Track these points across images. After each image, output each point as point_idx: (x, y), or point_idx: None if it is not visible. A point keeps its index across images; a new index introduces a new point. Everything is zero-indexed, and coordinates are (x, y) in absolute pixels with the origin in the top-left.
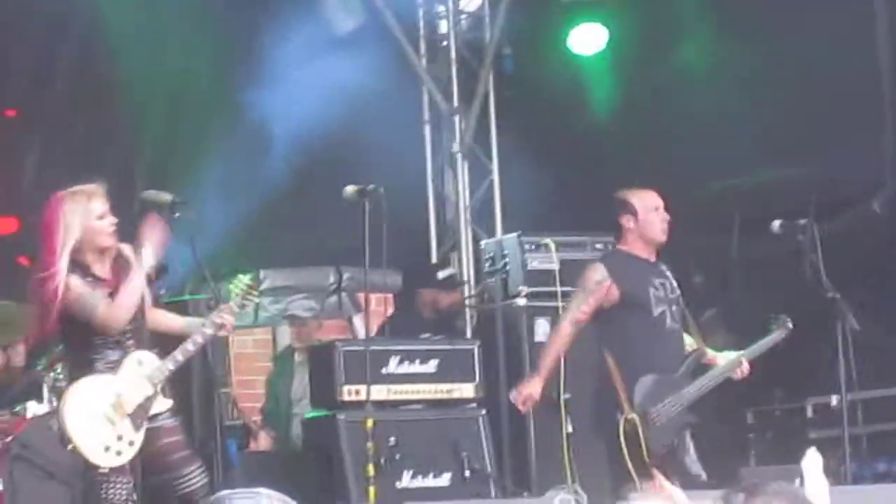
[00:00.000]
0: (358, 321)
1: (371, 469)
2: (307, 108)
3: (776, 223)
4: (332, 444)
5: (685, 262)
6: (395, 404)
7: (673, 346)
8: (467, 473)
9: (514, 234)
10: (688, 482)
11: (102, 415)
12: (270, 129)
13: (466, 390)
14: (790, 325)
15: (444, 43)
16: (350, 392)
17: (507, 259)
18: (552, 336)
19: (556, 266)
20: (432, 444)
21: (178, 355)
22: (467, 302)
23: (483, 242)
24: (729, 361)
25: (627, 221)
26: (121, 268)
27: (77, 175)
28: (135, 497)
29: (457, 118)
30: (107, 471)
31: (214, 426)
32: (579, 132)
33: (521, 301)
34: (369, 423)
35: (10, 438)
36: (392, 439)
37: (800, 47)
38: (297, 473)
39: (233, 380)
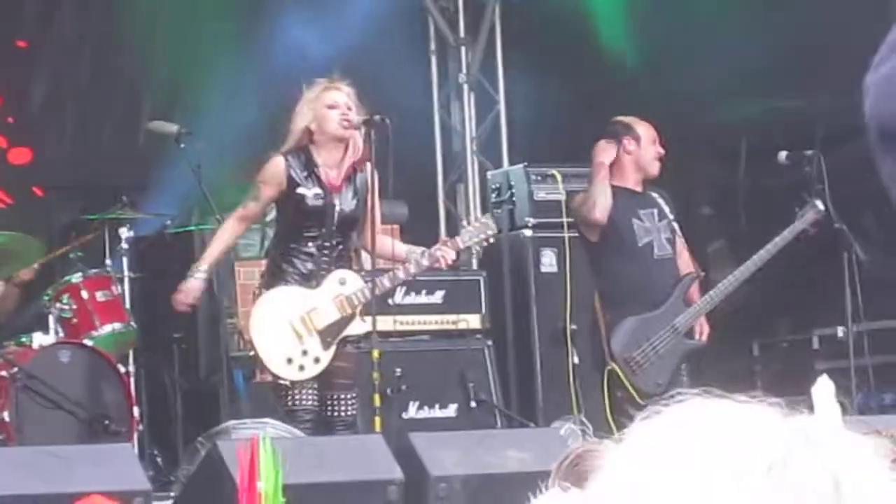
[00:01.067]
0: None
1: (377, 399)
2: (313, 38)
3: (783, 154)
4: None
5: (693, 192)
6: (401, 335)
7: (662, 276)
8: (473, 404)
9: (521, 166)
10: None
11: (290, 326)
12: (275, 58)
13: (472, 321)
14: (819, 206)
15: None
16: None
17: (513, 190)
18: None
19: (562, 197)
20: (438, 375)
21: (386, 281)
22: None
23: (489, 174)
24: (738, 271)
25: (629, 143)
26: (353, 182)
27: (86, 105)
28: (318, 403)
29: (463, 49)
30: (287, 383)
31: (221, 357)
32: (585, 62)
33: (528, 232)
34: (375, 353)
35: (15, 369)
36: (398, 370)
37: None
38: None
39: (239, 311)
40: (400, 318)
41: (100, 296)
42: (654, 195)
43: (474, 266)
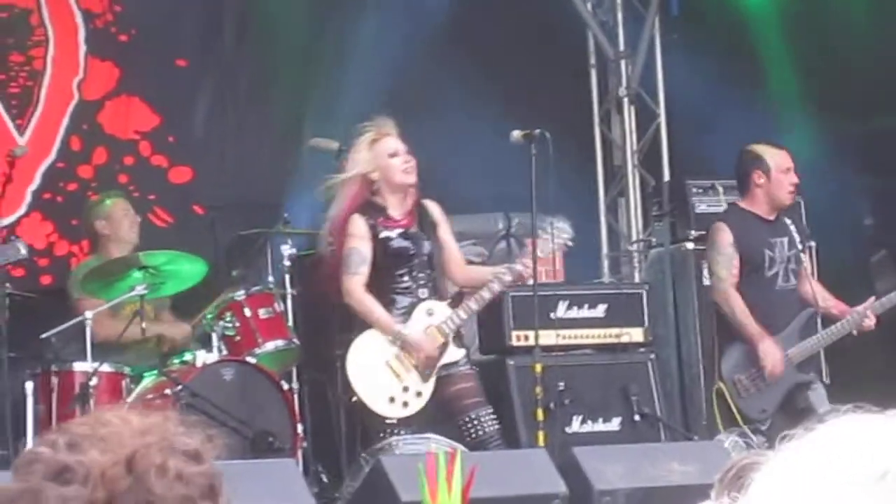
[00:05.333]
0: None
1: (540, 414)
2: (476, 52)
3: None
4: (502, 389)
5: (854, 203)
6: (563, 349)
7: (783, 306)
8: (637, 418)
9: (682, 179)
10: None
11: (386, 366)
12: (435, 70)
13: (635, 334)
14: None
15: None
16: (519, 337)
17: (675, 203)
18: (731, 307)
19: (724, 209)
20: (601, 389)
21: (472, 304)
22: (636, 246)
23: (651, 187)
24: (849, 318)
25: (759, 178)
26: (420, 220)
27: (246, 123)
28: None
29: (623, 62)
30: (394, 421)
31: None
32: (747, 74)
33: (690, 245)
34: (538, 368)
35: (179, 387)
36: (561, 384)
37: None
38: None
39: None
40: (562, 332)
41: (262, 313)
42: (787, 222)
43: (636, 279)
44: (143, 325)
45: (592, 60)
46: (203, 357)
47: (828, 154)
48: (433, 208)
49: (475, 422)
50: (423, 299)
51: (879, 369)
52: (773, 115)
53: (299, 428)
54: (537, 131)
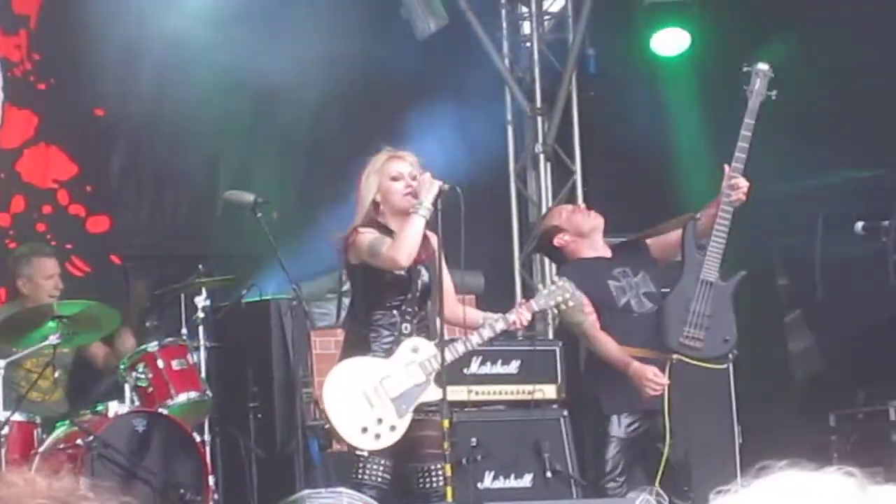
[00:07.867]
0: None
1: (448, 469)
2: (392, 104)
3: (859, 224)
4: None
5: (770, 262)
6: (476, 405)
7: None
8: (549, 474)
9: None
10: None
11: (363, 395)
12: (351, 125)
13: (548, 391)
14: None
15: (528, 44)
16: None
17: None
18: (601, 344)
19: None
20: (514, 445)
21: (459, 346)
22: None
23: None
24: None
25: (559, 240)
26: (425, 251)
27: (163, 174)
28: (388, 478)
29: (539, 119)
30: (365, 453)
31: (296, 426)
32: (661, 133)
33: None
34: (446, 423)
35: (91, 438)
36: (474, 440)
37: (888, 47)
38: None
39: (314, 380)
40: (475, 387)
41: (175, 365)
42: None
43: (550, 336)
44: (56, 374)
45: (509, 116)
46: (115, 408)
47: (748, 213)
48: (433, 238)
49: (428, 474)
50: (406, 334)
51: (791, 426)
52: (684, 172)
53: (211, 480)
54: (446, 186)
